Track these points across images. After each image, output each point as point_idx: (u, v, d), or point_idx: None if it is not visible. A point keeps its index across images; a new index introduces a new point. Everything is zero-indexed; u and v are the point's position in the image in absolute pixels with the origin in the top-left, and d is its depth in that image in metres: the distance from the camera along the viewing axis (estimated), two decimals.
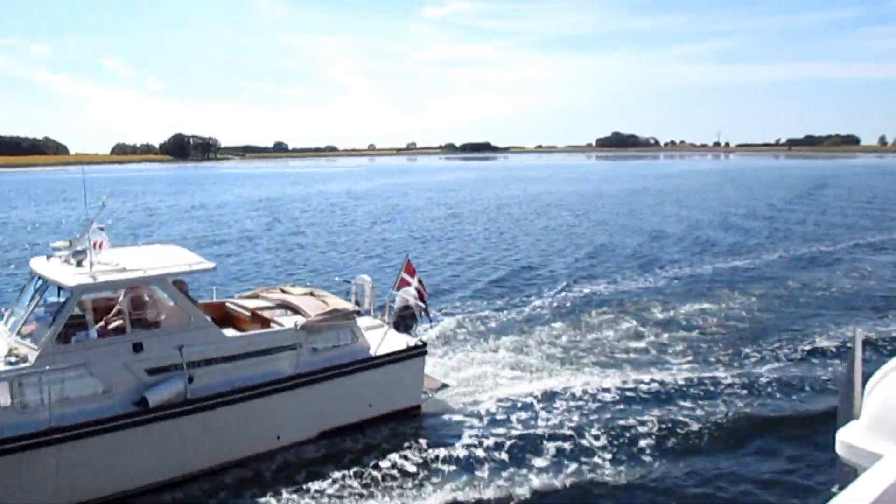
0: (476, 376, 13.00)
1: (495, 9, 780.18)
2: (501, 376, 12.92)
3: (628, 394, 11.74)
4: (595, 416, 10.85)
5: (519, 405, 11.43)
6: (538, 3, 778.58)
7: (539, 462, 9.50)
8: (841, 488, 2.35)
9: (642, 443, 9.98)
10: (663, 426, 10.27)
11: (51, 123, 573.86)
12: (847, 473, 3.01)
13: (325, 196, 56.34)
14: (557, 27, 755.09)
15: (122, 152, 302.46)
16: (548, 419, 10.85)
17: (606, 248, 25.74)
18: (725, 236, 28.49)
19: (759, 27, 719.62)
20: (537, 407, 11.35)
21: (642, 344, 14.25)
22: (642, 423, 10.45)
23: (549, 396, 11.71)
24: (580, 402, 11.38)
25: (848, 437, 3.20)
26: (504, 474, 9.20)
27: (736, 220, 33.97)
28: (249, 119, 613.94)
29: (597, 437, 10.08)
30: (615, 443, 9.92)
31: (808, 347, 13.78)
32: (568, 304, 17.01)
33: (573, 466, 9.35)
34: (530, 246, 26.62)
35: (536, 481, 8.93)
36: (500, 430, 10.41)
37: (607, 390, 11.81)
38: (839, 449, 3.23)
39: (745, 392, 11.46)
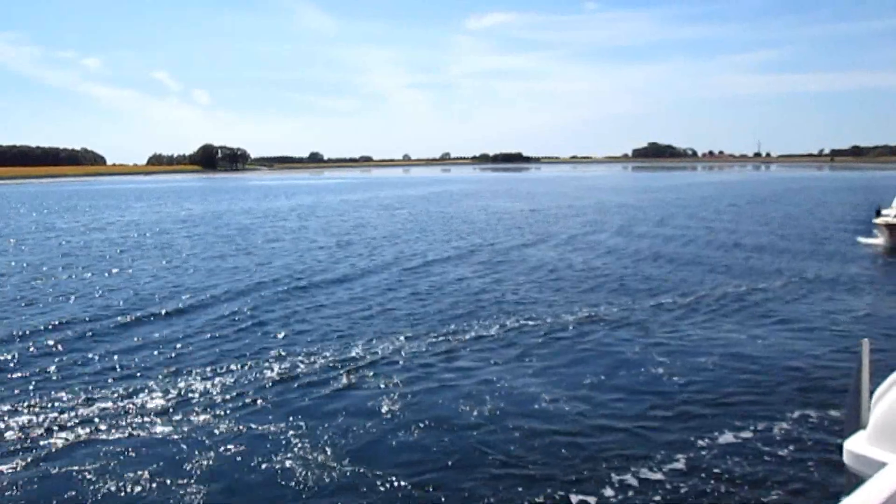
0: None
1: (539, 20, 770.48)
2: None
3: None
4: None
5: None
6: (584, 14, 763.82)
7: None
8: None
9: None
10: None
11: (96, 134, 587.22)
12: (854, 483, 2.88)
13: (259, 213, 53.14)
14: (603, 38, 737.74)
15: (159, 163, 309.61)
16: None
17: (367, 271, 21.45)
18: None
19: (810, 35, 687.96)
20: None
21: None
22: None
23: None
24: None
25: (855, 447, 3.23)
26: None
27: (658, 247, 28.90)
28: (293, 130, 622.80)
29: None
30: None
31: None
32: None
33: None
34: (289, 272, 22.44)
35: None
36: None
37: None
38: (846, 458, 3.27)
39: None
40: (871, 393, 3.43)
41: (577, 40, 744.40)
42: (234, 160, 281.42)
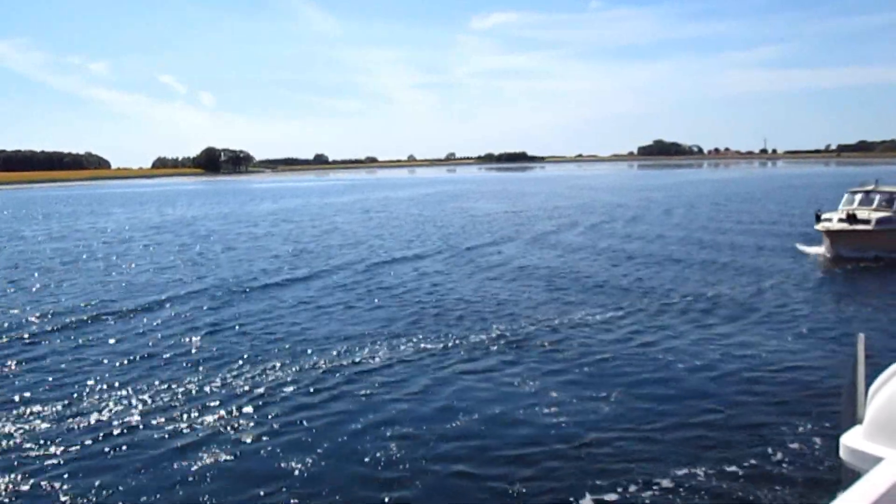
0: None
1: (542, 19, 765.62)
2: None
3: None
4: None
5: None
6: (587, 13, 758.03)
7: None
8: None
9: None
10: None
11: (99, 137, 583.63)
12: (851, 478, 2.90)
13: (234, 218, 52.07)
14: (606, 37, 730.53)
15: (163, 166, 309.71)
16: None
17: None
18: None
19: (813, 31, 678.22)
20: None
21: None
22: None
23: None
24: None
25: (851, 442, 3.20)
26: None
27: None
28: (297, 132, 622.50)
29: None
30: None
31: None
32: None
33: None
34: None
35: None
36: None
37: None
38: (843, 453, 3.24)
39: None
40: (867, 386, 3.38)
41: (579, 39, 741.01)
42: (237, 162, 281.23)
